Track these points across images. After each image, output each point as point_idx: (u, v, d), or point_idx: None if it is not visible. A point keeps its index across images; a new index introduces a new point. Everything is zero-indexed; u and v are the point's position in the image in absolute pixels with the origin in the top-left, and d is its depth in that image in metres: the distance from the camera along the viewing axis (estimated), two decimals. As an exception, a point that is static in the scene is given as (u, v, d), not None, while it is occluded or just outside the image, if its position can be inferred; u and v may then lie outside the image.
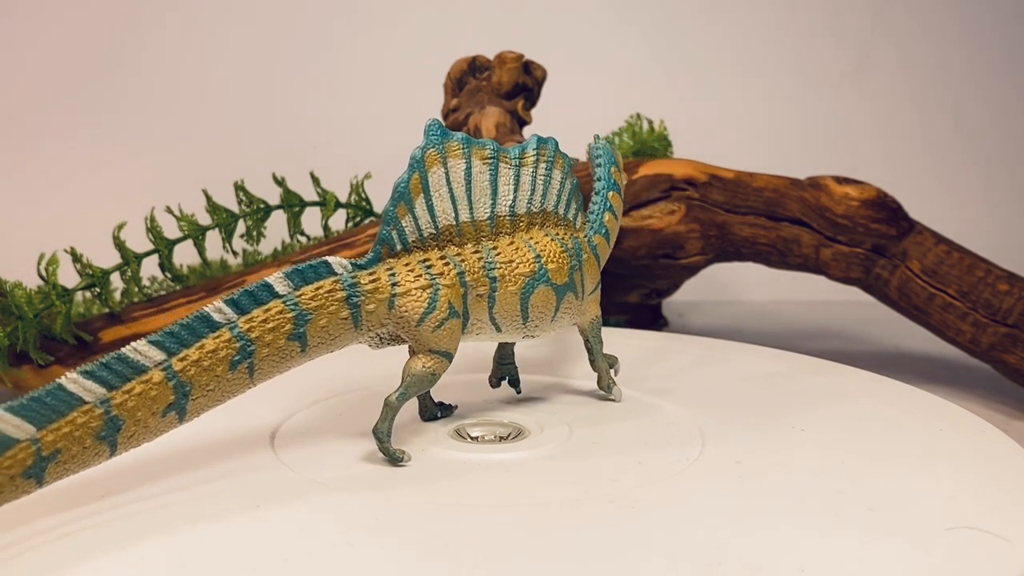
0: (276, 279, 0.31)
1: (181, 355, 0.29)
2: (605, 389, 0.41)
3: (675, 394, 0.42)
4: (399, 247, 0.34)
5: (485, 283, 0.35)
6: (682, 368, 0.46)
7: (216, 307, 0.30)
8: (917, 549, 0.27)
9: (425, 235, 0.34)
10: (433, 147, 0.34)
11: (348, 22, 0.83)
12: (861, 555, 0.27)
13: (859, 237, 0.54)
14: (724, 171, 0.57)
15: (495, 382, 0.41)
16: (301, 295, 0.32)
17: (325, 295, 0.32)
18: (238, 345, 0.30)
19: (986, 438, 0.36)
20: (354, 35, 0.83)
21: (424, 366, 0.34)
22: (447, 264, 0.34)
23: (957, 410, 0.40)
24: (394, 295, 0.33)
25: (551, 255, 0.36)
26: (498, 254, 0.35)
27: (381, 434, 0.33)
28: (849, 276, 0.55)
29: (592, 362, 0.41)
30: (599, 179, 0.41)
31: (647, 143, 0.61)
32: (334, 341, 0.33)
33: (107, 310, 0.51)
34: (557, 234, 0.37)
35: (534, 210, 0.36)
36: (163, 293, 0.55)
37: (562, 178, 0.37)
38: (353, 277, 0.32)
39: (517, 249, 0.36)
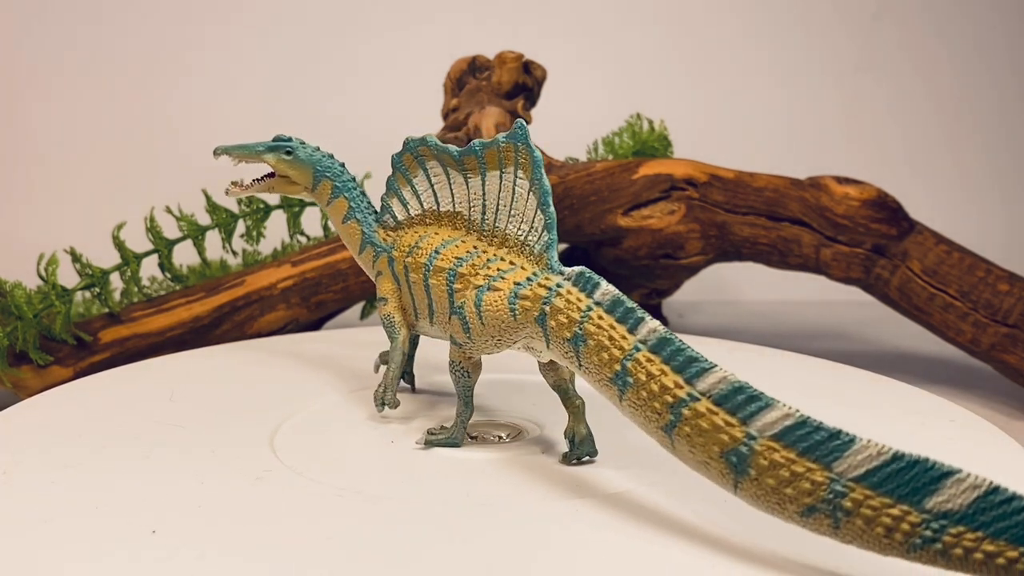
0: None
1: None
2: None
3: (675, 394, 0.41)
4: None
5: None
6: (682, 368, 0.46)
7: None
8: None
9: None
10: None
11: (348, 22, 0.83)
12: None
13: (859, 237, 0.54)
14: (724, 171, 0.57)
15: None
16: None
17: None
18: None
19: (986, 438, 0.36)
20: (354, 35, 0.83)
21: None
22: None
23: (957, 410, 0.40)
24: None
25: None
26: None
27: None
28: (849, 276, 0.55)
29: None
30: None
31: (647, 143, 0.61)
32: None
33: (107, 310, 0.51)
34: None
35: None
36: (163, 293, 0.55)
37: None
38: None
39: None
